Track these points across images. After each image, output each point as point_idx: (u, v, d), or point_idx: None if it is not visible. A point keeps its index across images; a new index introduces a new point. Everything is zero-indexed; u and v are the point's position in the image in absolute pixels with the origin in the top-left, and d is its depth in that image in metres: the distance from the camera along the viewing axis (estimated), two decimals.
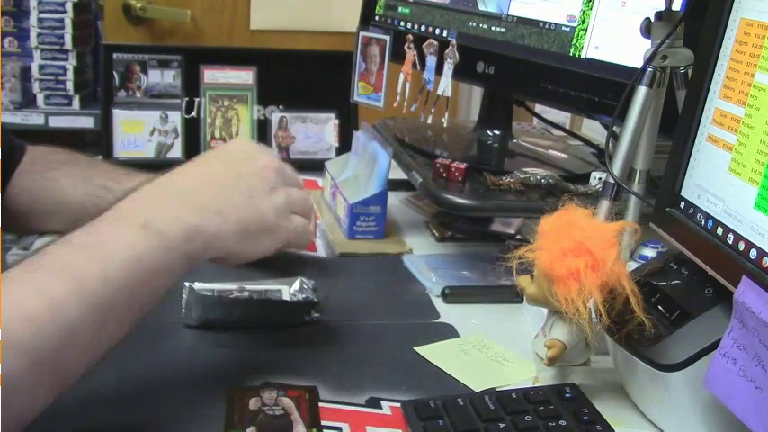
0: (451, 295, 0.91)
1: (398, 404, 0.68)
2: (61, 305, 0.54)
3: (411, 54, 1.10)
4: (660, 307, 0.68)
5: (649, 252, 0.87)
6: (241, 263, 0.72)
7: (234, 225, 0.68)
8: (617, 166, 0.81)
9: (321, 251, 1.04)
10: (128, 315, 0.60)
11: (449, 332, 0.84)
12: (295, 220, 0.76)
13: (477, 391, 0.72)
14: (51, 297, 0.54)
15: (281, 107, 1.49)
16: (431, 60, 1.08)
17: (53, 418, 0.58)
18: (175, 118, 1.44)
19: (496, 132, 1.19)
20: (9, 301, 0.52)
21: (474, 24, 1.11)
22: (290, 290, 0.85)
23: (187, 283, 0.80)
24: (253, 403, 0.67)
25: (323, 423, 0.66)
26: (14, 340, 0.51)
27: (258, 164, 0.75)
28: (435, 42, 1.07)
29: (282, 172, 0.77)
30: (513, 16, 1.06)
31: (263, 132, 1.47)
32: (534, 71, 1.02)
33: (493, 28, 1.08)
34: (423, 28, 1.17)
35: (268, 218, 0.72)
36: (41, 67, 1.93)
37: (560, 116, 1.39)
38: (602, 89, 0.93)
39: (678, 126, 0.70)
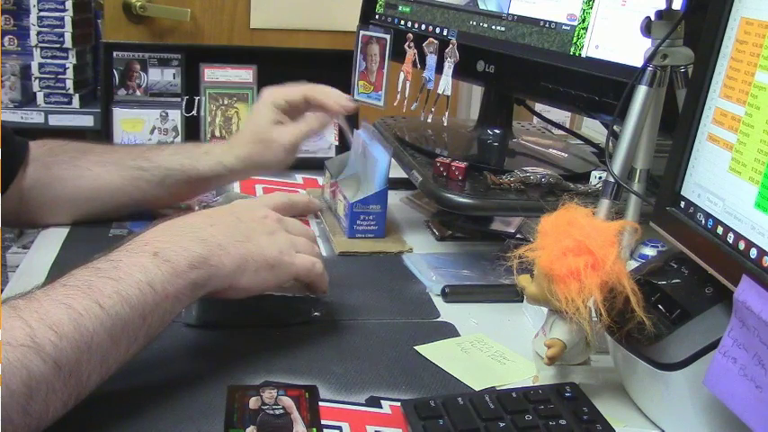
0: (451, 294, 0.91)
1: (398, 403, 0.68)
2: (81, 318, 0.59)
3: (411, 53, 1.10)
4: (660, 306, 0.68)
5: (649, 251, 0.87)
6: (244, 295, 0.75)
7: (234, 258, 0.72)
8: (617, 165, 0.81)
9: (321, 250, 1.04)
10: (140, 333, 0.64)
11: (449, 331, 0.84)
12: (301, 257, 0.79)
13: (477, 390, 0.72)
14: (73, 310, 0.59)
15: None
16: (431, 59, 1.08)
17: None
18: (175, 116, 1.44)
19: (497, 131, 1.19)
20: (38, 312, 0.58)
21: (474, 23, 1.11)
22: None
23: None
24: (253, 402, 0.67)
25: (323, 422, 0.66)
26: (40, 345, 0.56)
27: (259, 214, 0.79)
28: (436, 41, 1.07)
29: (283, 222, 0.81)
30: (513, 15, 1.06)
31: None
32: (534, 70, 1.02)
33: (493, 27, 1.08)
34: (423, 27, 1.17)
35: (268, 253, 0.75)
36: (41, 66, 1.92)
37: (560, 115, 1.39)
38: (602, 88, 0.93)
39: (678, 125, 0.70)
